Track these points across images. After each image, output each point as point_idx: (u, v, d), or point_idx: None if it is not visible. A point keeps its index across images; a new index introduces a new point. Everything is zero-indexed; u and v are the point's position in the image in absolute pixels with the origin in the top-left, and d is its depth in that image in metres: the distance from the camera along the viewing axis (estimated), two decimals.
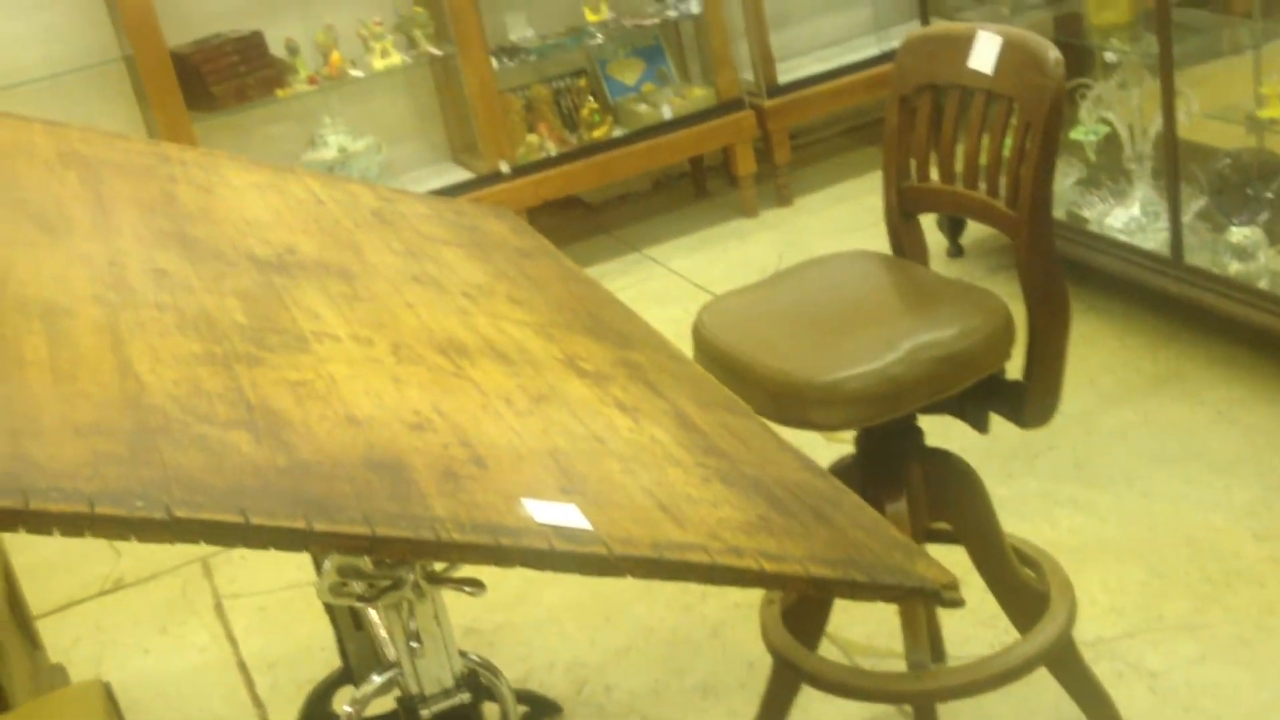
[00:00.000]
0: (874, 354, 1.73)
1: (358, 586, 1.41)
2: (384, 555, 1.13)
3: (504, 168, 4.14)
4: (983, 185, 1.87)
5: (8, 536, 2.59)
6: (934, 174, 1.98)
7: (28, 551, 3.02)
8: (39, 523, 0.99)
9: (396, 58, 4.06)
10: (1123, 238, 3.33)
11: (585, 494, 1.26)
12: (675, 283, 4.18)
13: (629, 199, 4.84)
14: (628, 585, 2.78)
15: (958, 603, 1.25)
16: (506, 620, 2.74)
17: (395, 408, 1.34)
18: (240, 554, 3.15)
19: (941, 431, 1.97)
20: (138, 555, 3.20)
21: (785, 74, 4.48)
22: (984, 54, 1.79)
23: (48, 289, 1.39)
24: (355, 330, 1.54)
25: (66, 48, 3.90)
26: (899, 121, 1.95)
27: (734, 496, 1.33)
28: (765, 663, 2.41)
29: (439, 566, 1.42)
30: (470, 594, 1.41)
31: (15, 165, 1.77)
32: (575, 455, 1.35)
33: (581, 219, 4.71)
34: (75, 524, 0.99)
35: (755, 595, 2.65)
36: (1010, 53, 1.77)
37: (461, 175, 4.23)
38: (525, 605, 2.78)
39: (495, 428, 1.37)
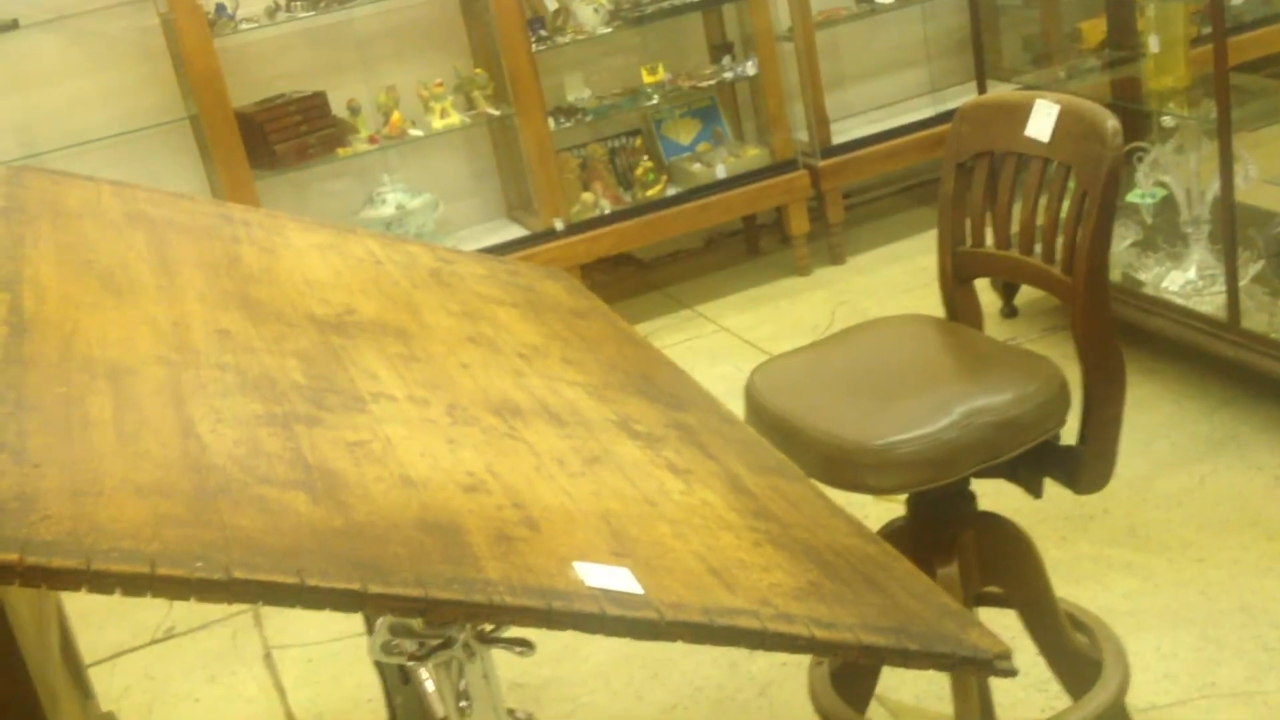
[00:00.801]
0: (927, 418, 1.72)
1: (408, 645, 1.42)
2: (437, 617, 1.13)
3: (558, 225, 4.18)
4: (1038, 250, 1.87)
5: None
6: (989, 239, 1.99)
7: (80, 599, 3.06)
8: (101, 583, 1.00)
9: (455, 118, 4.13)
10: (1179, 301, 3.31)
11: (637, 557, 1.26)
12: (726, 340, 4.20)
13: (681, 256, 4.87)
14: (675, 643, 2.76)
15: (1010, 672, 1.24)
16: (553, 675, 2.74)
17: (449, 469, 1.36)
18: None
19: (994, 492, 1.96)
20: (189, 604, 3.23)
21: (840, 134, 4.51)
22: (1041, 122, 1.80)
23: (113, 349, 1.42)
24: (411, 391, 1.56)
25: (134, 107, 4.00)
26: (955, 187, 1.96)
27: (785, 561, 1.33)
28: None
29: (489, 626, 1.43)
30: (520, 654, 1.42)
31: (84, 226, 1.82)
32: (627, 518, 1.36)
33: (634, 276, 4.74)
34: (136, 584, 1.01)
35: (803, 655, 2.64)
36: (1068, 121, 1.78)
37: (516, 232, 4.28)
38: (572, 660, 2.77)
39: (548, 489, 1.38)
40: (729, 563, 1.30)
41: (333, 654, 2.96)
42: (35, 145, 3.84)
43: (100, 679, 2.86)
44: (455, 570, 1.15)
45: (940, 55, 4.87)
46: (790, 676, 2.61)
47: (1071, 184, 1.80)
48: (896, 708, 2.47)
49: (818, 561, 1.36)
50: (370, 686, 2.78)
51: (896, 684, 2.50)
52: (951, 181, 1.96)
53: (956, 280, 2.03)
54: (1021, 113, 1.86)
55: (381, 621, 1.41)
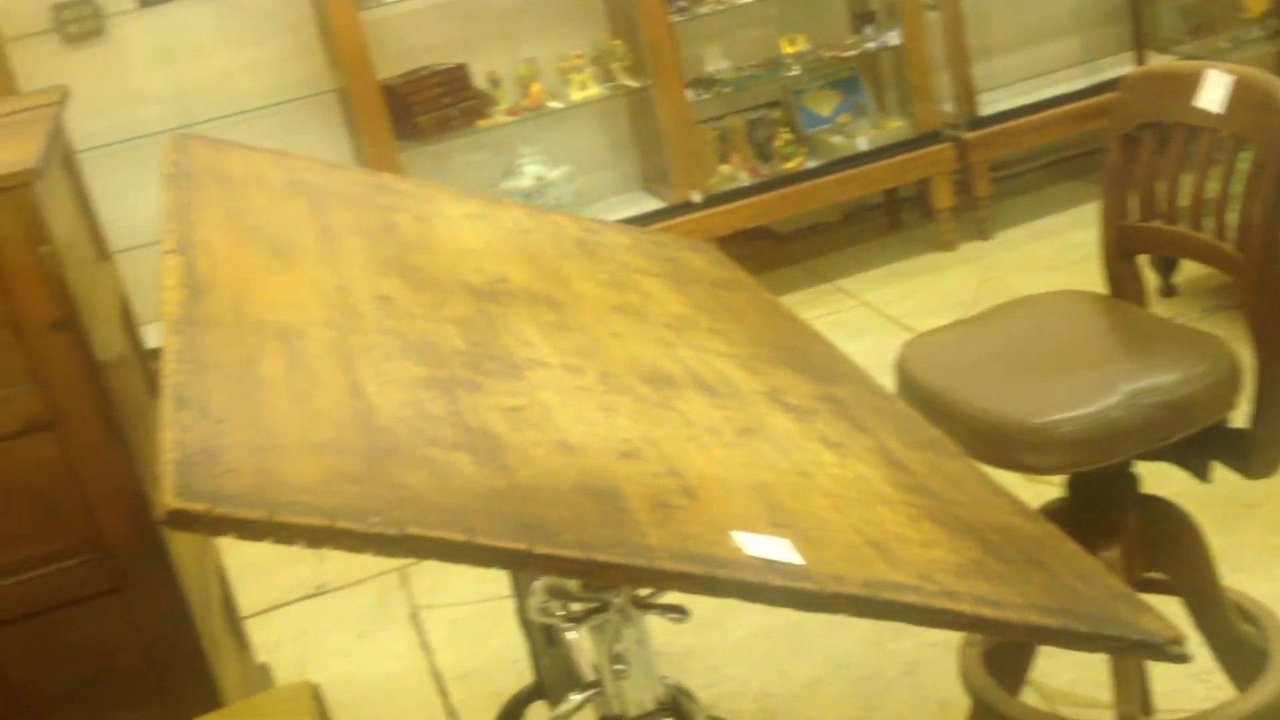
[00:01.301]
0: (1090, 397, 1.68)
1: (563, 607, 1.44)
2: (599, 580, 1.15)
3: (695, 197, 4.18)
4: (1208, 226, 1.80)
5: (223, 540, 2.73)
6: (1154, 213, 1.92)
7: (237, 555, 3.17)
8: (284, 534, 1.04)
9: (594, 90, 4.14)
10: None
11: (795, 528, 1.26)
12: (867, 315, 4.14)
13: (819, 230, 4.82)
14: (819, 617, 2.76)
15: (1183, 658, 1.21)
16: (695, 645, 2.75)
17: (606, 436, 1.37)
18: (436, 566, 3.23)
19: (1155, 475, 1.90)
20: (338, 562, 3.33)
21: (987, 106, 4.41)
22: (1213, 93, 1.73)
23: (283, 312, 1.46)
24: (565, 359, 1.57)
25: (283, 79, 4.10)
26: (1120, 159, 1.90)
27: (946, 538, 1.31)
28: (960, 704, 2.36)
29: (644, 592, 1.44)
30: (675, 620, 1.42)
31: (249, 193, 1.87)
32: (783, 489, 1.35)
33: (770, 249, 4.71)
34: (317, 537, 1.04)
35: (952, 635, 2.60)
36: (1242, 91, 1.71)
37: (652, 204, 4.29)
38: (715, 631, 2.78)
39: (703, 459, 1.38)
40: (888, 537, 1.29)
41: (477, 615, 3.02)
42: (191, 115, 3.97)
43: (255, 631, 2.96)
44: (617, 534, 1.16)
45: (1094, 24, 4.72)
46: (936, 658, 2.58)
47: (1243, 157, 1.73)
48: (1049, 692, 2.43)
49: (979, 539, 1.34)
50: (513, 649, 2.83)
51: (1050, 668, 2.45)
52: (1116, 153, 1.90)
53: (1120, 255, 1.97)
54: (1190, 83, 1.79)
55: (539, 583, 1.43)
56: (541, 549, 1.10)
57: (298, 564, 3.37)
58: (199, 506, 1.02)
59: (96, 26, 3.89)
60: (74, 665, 2.03)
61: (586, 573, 1.12)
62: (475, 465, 1.22)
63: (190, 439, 1.11)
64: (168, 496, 1.02)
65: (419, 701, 2.77)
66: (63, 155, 2.26)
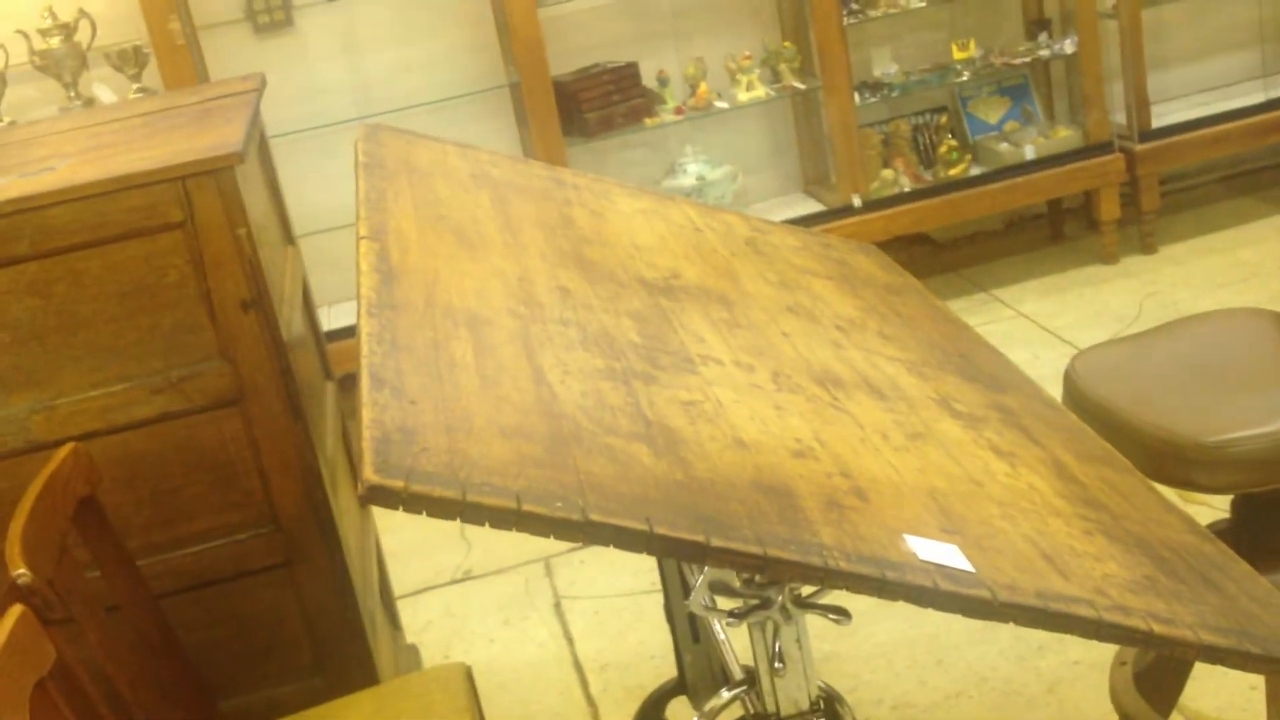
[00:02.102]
0: (1268, 417, 1.64)
1: (725, 603, 1.46)
2: (774, 576, 1.17)
3: (856, 201, 4.16)
4: None
5: (378, 521, 2.83)
6: None
7: (390, 536, 3.28)
8: (474, 514, 1.08)
9: (760, 90, 4.16)
10: None
11: (966, 535, 1.26)
12: (1025, 326, 4.08)
13: (978, 238, 4.75)
14: (961, 629, 2.73)
15: None
16: (835, 650, 2.75)
17: (779, 434, 1.39)
18: (579, 558, 3.30)
19: None
20: (486, 549, 3.42)
21: (1160, 118, 4.29)
22: None
23: (470, 299, 1.52)
24: (737, 356, 1.60)
25: (458, 73, 4.21)
26: None
27: (1118, 553, 1.30)
28: None
29: (806, 591, 1.46)
30: (836, 621, 1.44)
31: (435, 184, 1.95)
32: (953, 496, 1.36)
33: (928, 256, 4.66)
34: (504, 518, 1.09)
35: (1097, 654, 2.56)
36: None
37: (812, 207, 4.29)
38: (855, 638, 2.78)
39: (874, 462, 1.39)
40: (1060, 549, 1.29)
41: (619, 608, 3.07)
42: (368, 107, 4.10)
43: (404, 612, 3.06)
44: (791, 532, 1.18)
45: (1275, 37, 4.56)
46: (1081, 676, 2.54)
47: None
48: (1195, 716, 2.37)
49: (1152, 556, 1.32)
50: (652, 644, 2.87)
51: (1198, 693, 2.39)
52: None
53: None
54: None
55: (702, 578, 1.46)
56: (718, 542, 1.13)
57: (447, 549, 3.46)
58: (397, 483, 1.07)
59: (285, 17, 4.05)
60: (242, 636, 2.12)
61: (762, 568, 1.14)
62: (653, 457, 1.25)
63: (387, 418, 1.17)
64: (368, 472, 1.08)
65: (560, 689, 2.82)
66: (259, 139, 2.37)
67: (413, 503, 1.07)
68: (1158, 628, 1.17)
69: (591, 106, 4.01)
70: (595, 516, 1.11)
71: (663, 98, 4.14)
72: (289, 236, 2.55)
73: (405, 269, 1.55)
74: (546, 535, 1.11)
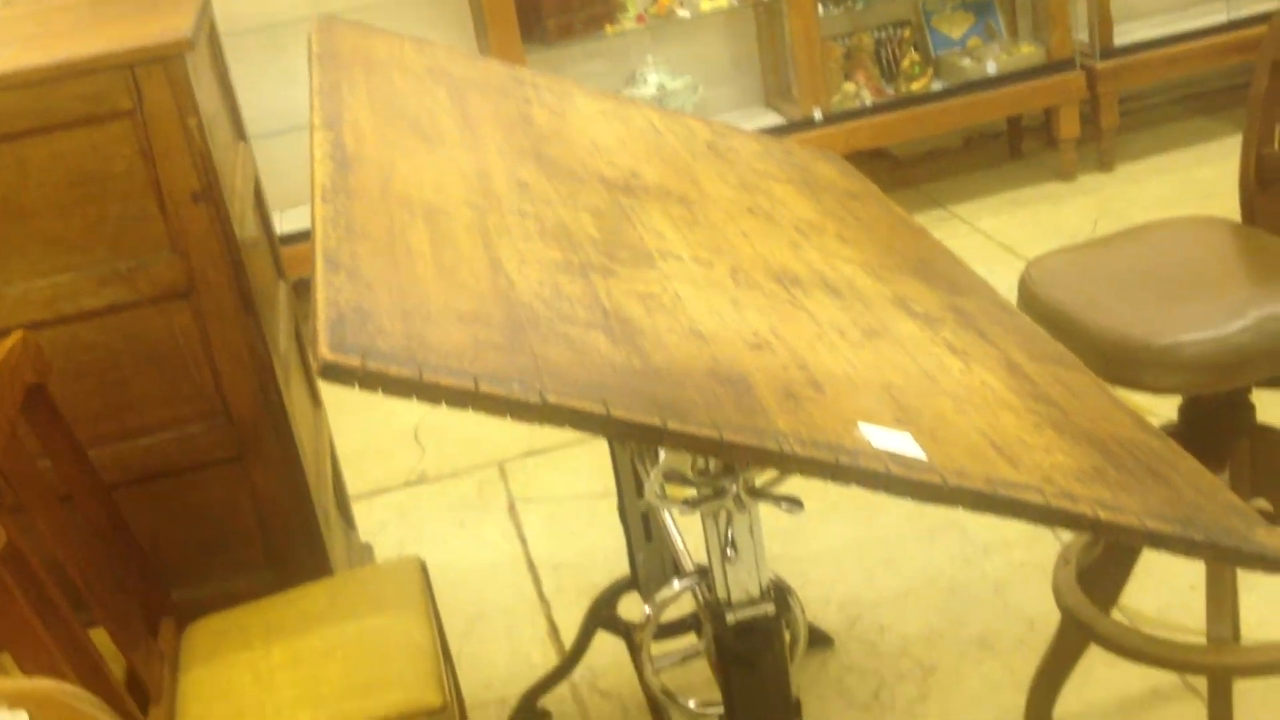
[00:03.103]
0: (1218, 320, 1.66)
1: (679, 493, 1.48)
2: (730, 460, 1.18)
3: (817, 115, 4.14)
4: None
5: (332, 422, 2.82)
6: None
7: (345, 438, 3.27)
8: (431, 394, 1.08)
9: (724, 0, 4.11)
10: None
11: (919, 425, 1.28)
12: (981, 242, 4.10)
13: (938, 155, 4.75)
14: (908, 531, 2.78)
15: None
16: (784, 551, 2.78)
17: (736, 327, 1.39)
18: (534, 461, 3.32)
19: (1271, 406, 1.89)
20: (440, 453, 3.43)
21: (1122, 36, 4.29)
22: None
23: (427, 191, 1.51)
24: (696, 252, 1.59)
25: None
26: (1268, 86, 1.85)
27: (1067, 445, 1.32)
28: (1047, 622, 2.38)
29: (760, 481, 1.47)
30: (789, 511, 1.45)
31: (391, 77, 1.91)
32: (908, 390, 1.37)
33: (887, 171, 4.66)
34: (461, 398, 1.09)
35: (1040, 554, 2.62)
36: None
37: (773, 120, 4.26)
38: (804, 538, 2.82)
39: (830, 356, 1.40)
40: (1010, 441, 1.30)
41: (572, 511, 3.09)
42: (323, 5, 4.01)
43: (358, 514, 3.06)
44: (747, 419, 1.19)
45: None
46: (1025, 577, 2.59)
47: None
48: (1136, 615, 2.43)
49: (1100, 449, 1.34)
50: (607, 545, 2.89)
51: (1139, 592, 2.45)
52: (1265, 80, 1.86)
53: (1258, 183, 1.93)
54: None
55: (657, 467, 1.47)
56: (675, 425, 1.14)
57: (401, 453, 3.46)
58: (353, 360, 1.07)
59: None
60: (195, 527, 2.13)
61: (718, 452, 1.15)
62: (611, 345, 1.25)
63: (342, 299, 1.16)
64: (322, 349, 1.07)
65: (513, 588, 2.85)
66: (209, 31, 2.32)
67: (369, 380, 1.06)
68: (1104, 514, 1.19)
69: (551, 12, 3.95)
70: (552, 399, 1.11)
71: (624, 5, 4.08)
72: (240, 133, 2.51)
73: (361, 159, 1.53)
74: (503, 416, 1.11)
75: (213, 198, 1.93)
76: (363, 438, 3.52)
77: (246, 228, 2.19)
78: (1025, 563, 2.63)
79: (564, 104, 2.08)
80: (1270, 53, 1.86)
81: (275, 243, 2.64)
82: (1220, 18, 4.32)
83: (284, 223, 3.90)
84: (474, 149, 1.71)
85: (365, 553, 2.84)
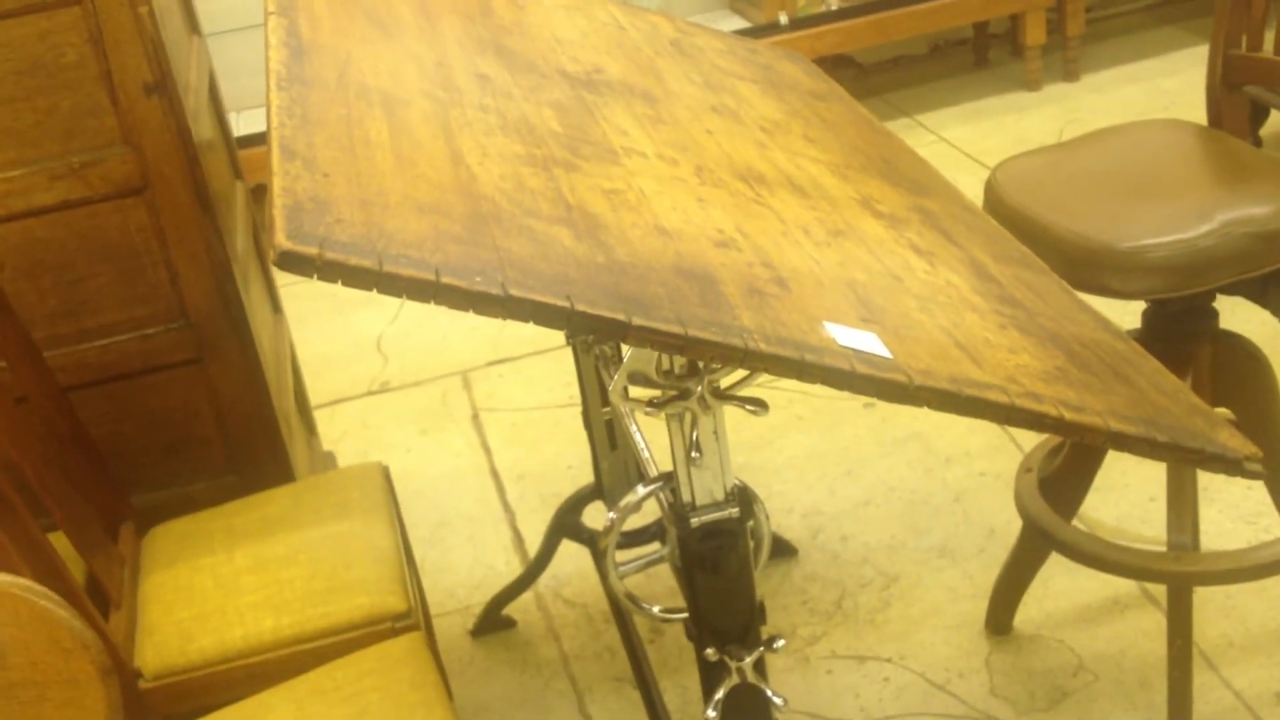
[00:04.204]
0: (1183, 224, 1.66)
1: (642, 395, 1.47)
2: (695, 356, 1.17)
3: (783, 19, 4.08)
4: None
5: (294, 332, 2.79)
6: (1268, 43, 1.87)
7: (306, 347, 3.24)
8: (390, 284, 1.06)
9: None
10: None
11: (884, 324, 1.27)
12: (946, 151, 4.08)
13: (903, 62, 4.71)
14: (870, 443, 2.80)
15: (1259, 475, 1.22)
16: (747, 462, 2.80)
17: (701, 224, 1.37)
18: (497, 371, 3.30)
19: (1233, 313, 1.90)
20: (402, 362, 3.40)
21: None
22: None
23: (384, 80, 1.47)
24: (660, 150, 1.57)
25: None
26: None
27: (1031, 346, 1.32)
28: (1007, 531, 2.41)
29: (725, 382, 1.46)
30: (753, 413, 1.45)
31: None
32: (873, 289, 1.36)
33: (853, 80, 4.61)
34: (422, 290, 1.06)
35: (1001, 465, 2.64)
36: None
37: (737, 23, 4.21)
38: (768, 450, 2.83)
39: (795, 254, 1.38)
40: (975, 340, 1.30)
41: (535, 420, 3.09)
42: None
43: (321, 423, 3.04)
44: (712, 315, 1.17)
45: None
46: (986, 486, 2.62)
47: None
48: (1096, 525, 2.46)
49: (1065, 350, 1.34)
50: (571, 455, 2.89)
51: (1099, 503, 2.48)
52: None
53: (1225, 86, 1.92)
54: None
55: (622, 367, 1.45)
56: (639, 321, 1.12)
57: (363, 362, 3.44)
58: (310, 250, 1.04)
59: None
60: (154, 430, 2.10)
61: (683, 348, 1.14)
62: (574, 239, 1.23)
63: (299, 188, 1.13)
64: (279, 237, 1.05)
65: (477, 496, 2.85)
66: None
67: (327, 270, 1.04)
68: (1068, 414, 1.19)
69: None
70: (515, 291, 1.09)
71: None
72: (194, 26, 2.44)
73: (316, 46, 1.48)
74: (466, 309, 1.09)
75: (166, 90, 1.88)
76: (325, 348, 3.49)
77: (202, 124, 2.14)
78: (986, 472, 2.65)
79: None
80: None
81: (232, 143, 2.58)
82: None
83: (242, 125, 3.82)
84: (432, 40, 1.66)
85: (328, 460, 2.83)
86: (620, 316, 1.11)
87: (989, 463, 2.67)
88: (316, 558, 1.78)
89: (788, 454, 2.82)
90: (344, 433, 3.17)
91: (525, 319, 1.10)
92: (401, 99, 1.42)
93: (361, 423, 3.21)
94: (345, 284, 1.05)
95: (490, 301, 1.08)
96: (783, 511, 2.66)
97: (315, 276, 1.04)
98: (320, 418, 3.10)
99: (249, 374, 2.09)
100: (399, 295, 1.06)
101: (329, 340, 3.53)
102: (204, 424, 2.10)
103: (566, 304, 1.10)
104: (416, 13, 1.76)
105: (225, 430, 2.11)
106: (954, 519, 2.56)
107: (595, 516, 2.38)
